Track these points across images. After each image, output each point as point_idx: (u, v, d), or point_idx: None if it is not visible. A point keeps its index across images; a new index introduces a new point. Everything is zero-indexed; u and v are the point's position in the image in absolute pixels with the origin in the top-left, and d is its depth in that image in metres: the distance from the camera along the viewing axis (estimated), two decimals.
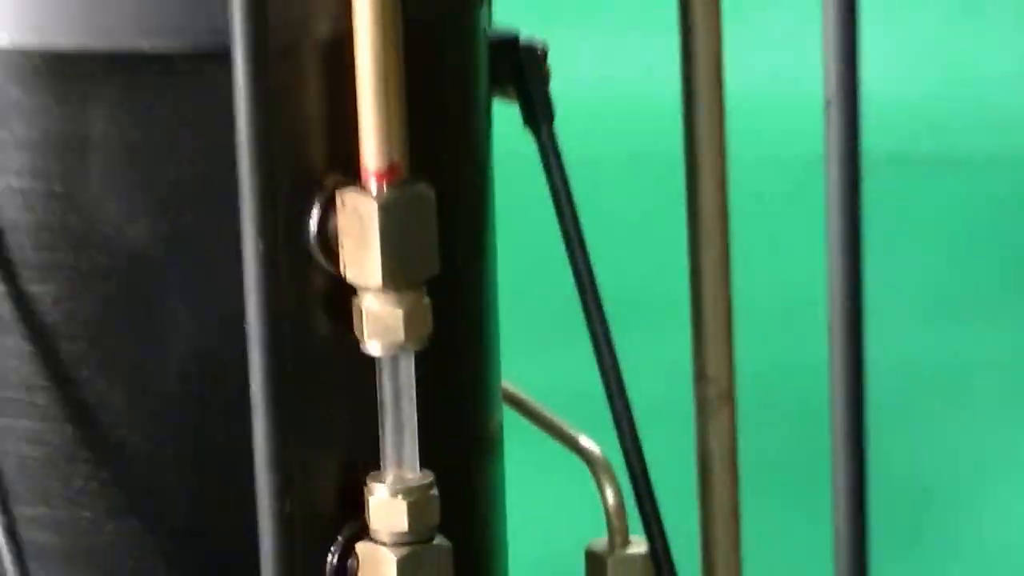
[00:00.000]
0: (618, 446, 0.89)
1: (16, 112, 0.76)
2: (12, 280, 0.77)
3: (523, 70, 0.86)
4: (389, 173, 0.74)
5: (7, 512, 0.76)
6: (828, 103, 0.71)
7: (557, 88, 0.86)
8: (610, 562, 0.90)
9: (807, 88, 0.70)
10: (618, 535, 0.90)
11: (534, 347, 0.91)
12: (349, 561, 0.78)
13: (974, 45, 1.57)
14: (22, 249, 0.76)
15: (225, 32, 0.69)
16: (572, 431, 0.92)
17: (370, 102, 0.74)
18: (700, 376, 0.92)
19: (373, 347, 0.76)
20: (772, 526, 0.94)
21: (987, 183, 1.50)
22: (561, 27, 1.16)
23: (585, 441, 0.90)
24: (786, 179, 0.83)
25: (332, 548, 0.78)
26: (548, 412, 0.95)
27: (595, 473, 0.90)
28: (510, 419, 0.91)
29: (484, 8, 0.84)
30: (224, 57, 0.69)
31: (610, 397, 0.88)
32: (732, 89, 0.88)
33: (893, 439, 1.04)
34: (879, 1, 0.92)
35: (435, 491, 0.77)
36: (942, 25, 1.57)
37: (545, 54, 0.87)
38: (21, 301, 0.77)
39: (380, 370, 0.77)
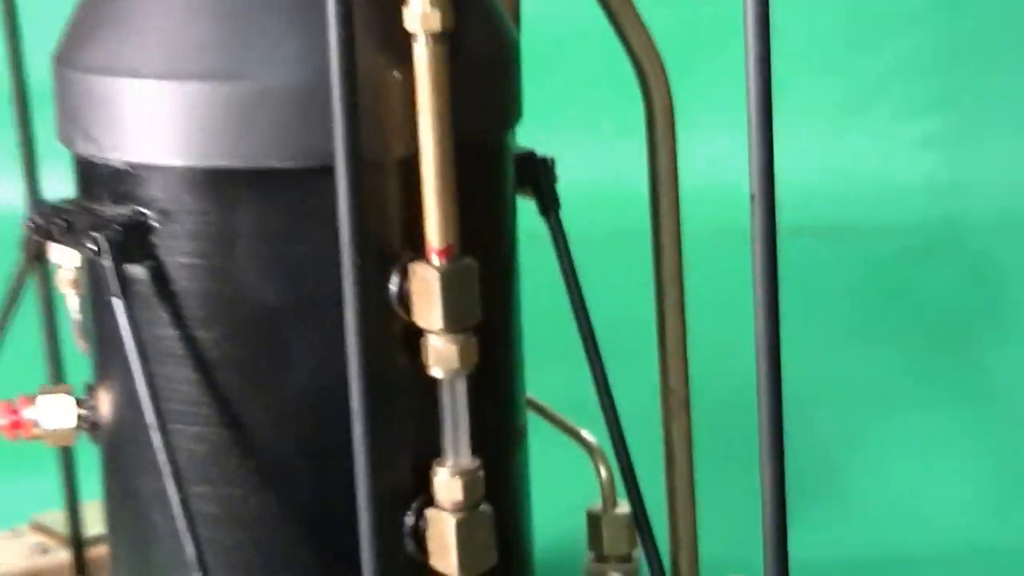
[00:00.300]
0: (608, 438, 0.91)
1: (186, 211, 0.80)
2: (184, 328, 0.80)
3: (538, 176, 0.90)
4: (446, 251, 0.78)
5: (182, 489, 0.79)
6: (752, 196, 0.74)
7: (562, 187, 0.91)
8: (604, 519, 0.96)
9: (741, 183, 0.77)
10: (608, 501, 0.96)
11: (548, 367, 0.96)
12: (420, 523, 0.81)
13: (856, 136, 1.58)
14: (191, 307, 0.80)
15: (331, 154, 0.72)
16: (575, 426, 0.96)
17: (433, 202, 0.78)
18: (664, 387, 0.94)
19: (436, 372, 0.80)
20: (715, 494, 0.98)
21: (869, 247, 1.53)
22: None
23: (585, 433, 0.96)
24: (724, 246, 0.88)
25: (408, 513, 0.81)
26: (558, 413, 0.98)
27: (592, 456, 0.95)
28: (531, 419, 0.93)
29: (511, 132, 0.87)
30: (330, 171, 0.73)
31: (603, 404, 0.90)
32: (685, 185, 0.91)
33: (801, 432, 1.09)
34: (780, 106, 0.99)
35: (481, 472, 0.81)
36: (828, 123, 1.58)
37: (553, 164, 0.91)
38: (190, 343, 0.80)
39: (441, 388, 0.81)
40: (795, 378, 0.79)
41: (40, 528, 1.11)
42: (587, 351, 0.90)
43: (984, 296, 1.50)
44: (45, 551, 1.08)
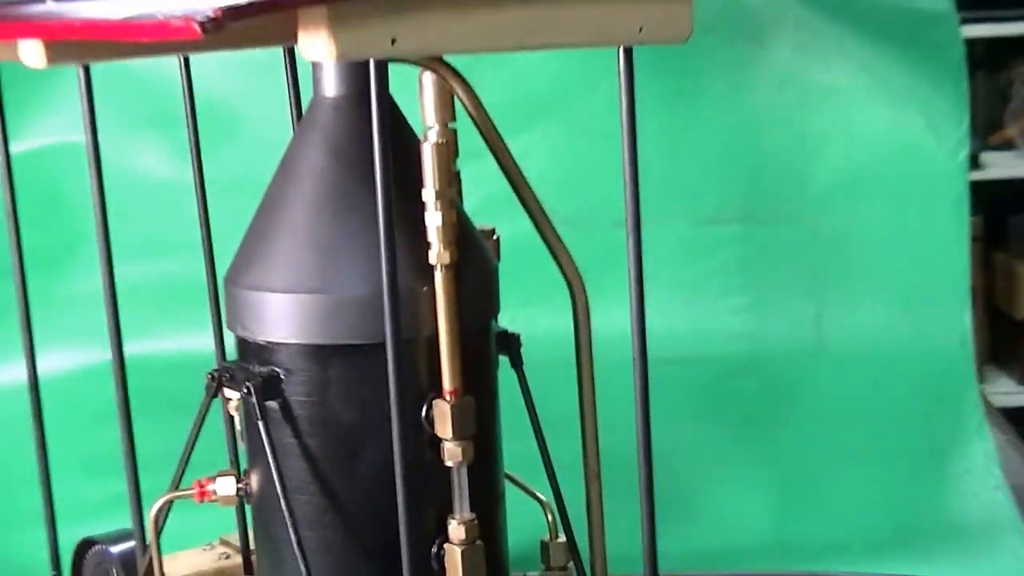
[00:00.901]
0: (552, 496, 0.93)
1: (300, 370, 0.82)
2: (299, 438, 0.82)
3: (510, 345, 0.90)
4: (453, 392, 0.80)
5: (297, 533, 0.81)
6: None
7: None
8: (550, 545, 0.96)
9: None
10: (552, 533, 0.96)
11: (516, 455, 0.92)
12: (440, 552, 0.82)
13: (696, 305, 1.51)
14: (303, 425, 0.82)
15: (383, 334, 0.73)
16: (533, 489, 0.96)
17: (446, 362, 0.80)
18: (585, 464, 0.92)
19: (449, 463, 0.81)
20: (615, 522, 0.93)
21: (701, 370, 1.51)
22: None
23: (539, 493, 0.95)
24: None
25: (434, 547, 0.82)
26: (523, 481, 0.96)
27: (543, 507, 0.95)
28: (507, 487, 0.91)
29: (495, 320, 0.86)
30: (383, 345, 0.73)
31: (548, 476, 0.92)
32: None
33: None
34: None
35: (476, 521, 0.82)
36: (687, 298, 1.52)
37: (519, 338, 0.90)
38: (304, 447, 0.82)
39: (452, 473, 0.82)
40: (658, 442, 0.80)
41: (225, 543, 1.11)
42: (539, 447, 0.92)
43: (775, 399, 1.47)
44: (228, 557, 1.08)
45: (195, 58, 1.00)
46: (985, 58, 3.72)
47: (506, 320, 0.89)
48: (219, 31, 0.63)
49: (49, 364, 1.34)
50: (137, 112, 1.46)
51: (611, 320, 0.93)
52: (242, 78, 1.46)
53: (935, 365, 1.49)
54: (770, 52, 1.50)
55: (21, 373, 0.95)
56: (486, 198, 0.93)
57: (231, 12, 0.64)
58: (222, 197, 0.98)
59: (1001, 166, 3.78)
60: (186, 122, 0.98)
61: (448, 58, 0.80)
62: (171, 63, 0.95)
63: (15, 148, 1.34)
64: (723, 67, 1.50)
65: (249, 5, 0.65)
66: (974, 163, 3.54)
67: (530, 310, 1.01)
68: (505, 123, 0.84)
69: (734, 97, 1.51)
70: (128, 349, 0.85)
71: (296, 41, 0.67)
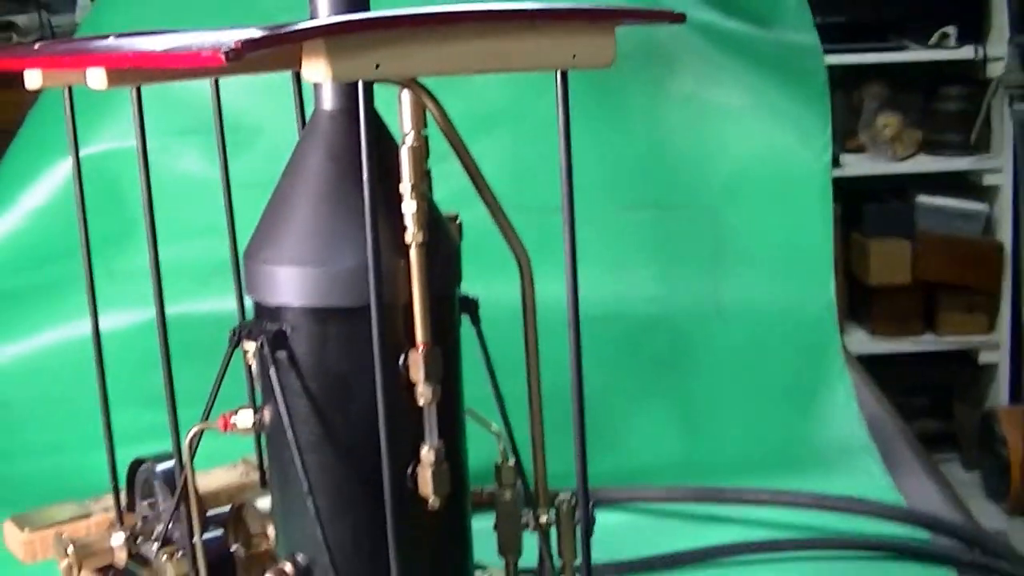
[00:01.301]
0: (503, 425, 0.90)
1: (300, 329, 0.79)
2: (303, 380, 0.79)
3: (470, 306, 0.87)
4: (425, 345, 0.77)
5: (301, 455, 0.79)
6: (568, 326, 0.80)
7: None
8: (503, 469, 0.92)
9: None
10: (503, 457, 0.92)
11: (475, 391, 0.88)
12: (415, 472, 0.80)
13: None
14: (306, 371, 0.79)
15: (369, 298, 0.72)
16: (487, 420, 0.91)
17: (419, 321, 0.78)
18: (532, 405, 0.90)
19: (421, 401, 0.78)
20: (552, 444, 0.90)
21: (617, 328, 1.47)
22: None
23: (493, 424, 0.91)
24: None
25: (410, 468, 0.79)
26: (479, 413, 0.90)
27: (497, 437, 0.91)
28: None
29: (458, 287, 0.84)
30: (368, 309, 0.72)
31: (500, 409, 0.90)
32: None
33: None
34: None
35: (443, 448, 0.79)
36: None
37: (477, 301, 0.87)
38: (306, 388, 0.79)
39: (424, 410, 0.78)
40: (588, 384, 0.80)
41: (246, 462, 1.11)
42: (492, 387, 0.91)
43: (681, 350, 1.46)
44: (249, 474, 1.09)
45: (225, 81, 0.99)
46: (842, 81, 3.77)
47: (470, 287, 0.87)
48: (240, 60, 0.64)
49: (111, 322, 1.37)
50: (180, 123, 1.48)
51: (553, 288, 0.90)
52: (262, 96, 1.49)
53: (807, 324, 1.50)
54: (677, 75, 1.53)
55: (87, 328, 0.94)
56: (453, 191, 0.90)
57: (249, 44, 0.64)
58: (244, 191, 0.97)
59: (855, 166, 3.85)
60: (215, 131, 0.98)
61: (422, 79, 0.79)
62: (205, 84, 0.96)
63: (87, 151, 1.44)
64: (640, 86, 1.52)
65: (264, 38, 0.65)
66: (835, 163, 3.58)
67: (489, 280, 0.97)
68: (467, 131, 0.83)
69: (649, 110, 1.53)
70: (171, 310, 0.84)
71: (300, 67, 0.67)
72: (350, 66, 0.66)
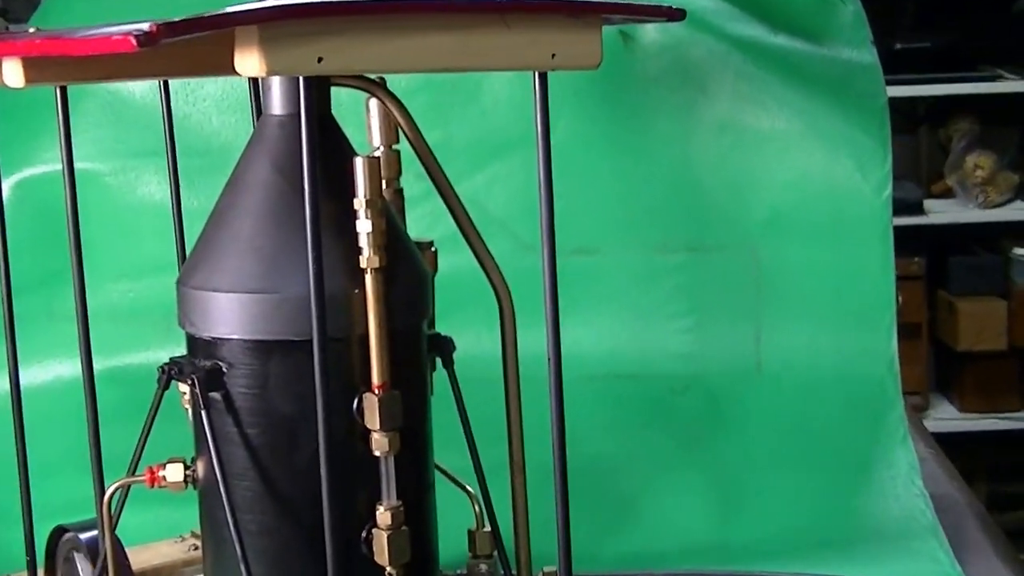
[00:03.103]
0: (479, 489, 0.91)
1: (241, 363, 0.80)
2: (240, 427, 0.80)
3: (443, 347, 0.88)
4: (382, 387, 0.78)
5: (235, 515, 0.80)
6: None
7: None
8: (477, 534, 0.94)
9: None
10: (479, 523, 0.94)
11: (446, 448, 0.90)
12: (370, 536, 0.80)
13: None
14: (244, 415, 0.80)
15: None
16: (461, 481, 0.94)
17: (375, 359, 0.78)
18: (510, 457, 0.91)
19: (377, 453, 0.80)
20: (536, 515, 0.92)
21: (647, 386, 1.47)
22: None
23: (467, 486, 0.93)
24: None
25: (365, 531, 0.80)
26: (452, 473, 0.94)
27: (471, 499, 0.93)
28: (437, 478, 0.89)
29: (425, 321, 0.84)
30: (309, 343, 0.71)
31: (476, 470, 0.91)
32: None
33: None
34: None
35: (402, 508, 0.80)
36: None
37: (451, 339, 0.87)
38: (243, 435, 0.80)
39: (381, 462, 0.80)
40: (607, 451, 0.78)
41: (195, 535, 1.08)
42: (467, 440, 0.91)
43: (715, 413, 1.44)
44: (197, 548, 1.06)
45: (196, 97, 0.97)
46: (928, 115, 3.72)
47: (470, 339, 0.89)
48: (154, 45, 0.63)
49: (51, 372, 1.34)
50: (140, 142, 1.45)
51: (568, 337, 0.89)
52: (233, 115, 1.46)
53: (863, 385, 1.46)
54: (714, 98, 1.49)
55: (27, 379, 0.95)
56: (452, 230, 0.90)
57: (165, 28, 0.64)
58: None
59: (942, 212, 3.78)
60: (165, 144, 0.98)
61: (406, 86, 0.81)
62: (174, 101, 0.97)
63: (26, 173, 1.38)
64: (671, 111, 1.48)
65: (182, 23, 0.65)
66: (918, 210, 3.52)
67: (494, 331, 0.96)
68: (472, 156, 0.80)
69: (681, 137, 1.49)
70: (133, 358, 0.83)
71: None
72: (287, 58, 0.66)
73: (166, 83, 0.98)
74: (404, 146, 0.87)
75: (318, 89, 0.71)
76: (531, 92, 0.72)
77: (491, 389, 0.89)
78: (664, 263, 1.48)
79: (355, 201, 0.75)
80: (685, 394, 1.47)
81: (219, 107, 1.42)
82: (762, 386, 1.45)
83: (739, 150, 1.48)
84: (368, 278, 0.77)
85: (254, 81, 0.96)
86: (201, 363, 0.80)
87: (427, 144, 0.84)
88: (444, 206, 0.85)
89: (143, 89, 1.33)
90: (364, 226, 0.76)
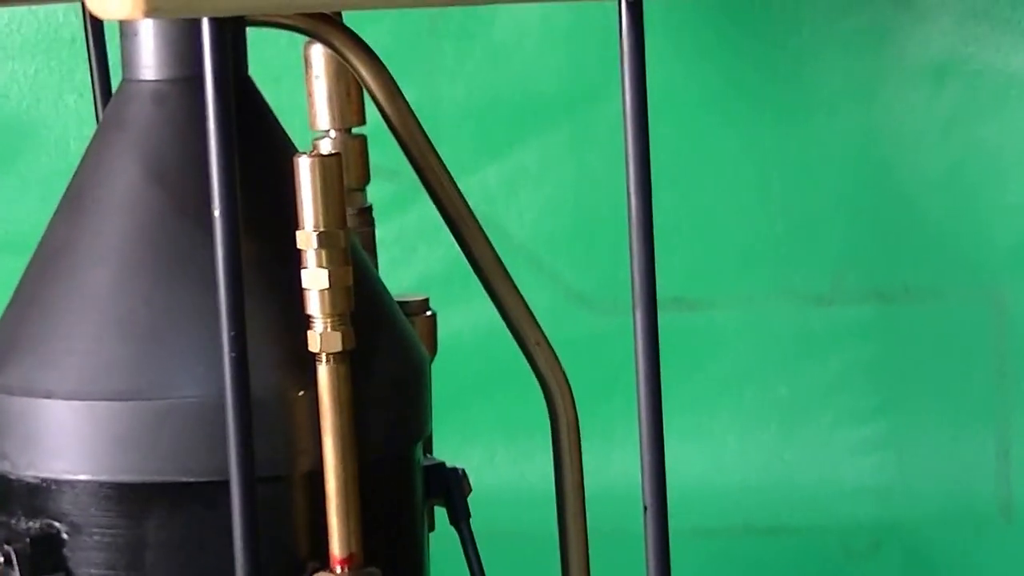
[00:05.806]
0: None
1: (95, 524, 0.71)
2: None
3: (448, 486, 0.81)
4: (348, 561, 0.69)
5: None
6: (645, 508, 0.67)
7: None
8: None
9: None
10: None
11: None
12: None
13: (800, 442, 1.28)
14: None
15: (228, 465, 0.65)
16: None
17: (335, 515, 0.69)
18: None
19: None
20: None
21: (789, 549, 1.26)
22: None
23: None
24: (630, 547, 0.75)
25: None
26: None
27: None
28: None
29: (417, 446, 0.78)
30: (226, 485, 0.65)
31: None
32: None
33: None
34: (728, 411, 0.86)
35: None
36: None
37: (464, 475, 0.82)
38: None
39: None
40: None
41: None
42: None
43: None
44: None
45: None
46: None
47: (475, 460, 0.85)
48: None
49: None
50: None
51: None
52: (40, 79, 1.29)
53: None
54: (922, 20, 1.24)
55: None
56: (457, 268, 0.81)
57: None
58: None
59: None
60: None
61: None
62: None
63: None
64: (844, 52, 1.24)
65: None
66: None
67: (516, 445, 0.92)
68: (500, 129, 0.85)
69: (862, 101, 1.25)
70: None
71: None
72: None
73: None
74: (372, 128, 0.80)
75: (233, 35, 0.67)
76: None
77: (531, 549, 0.84)
78: (831, 321, 1.27)
79: (299, 236, 0.67)
80: (873, 557, 1.27)
81: (11, 78, 1.29)
82: (1010, 542, 1.25)
83: (964, 117, 1.22)
84: (323, 370, 0.68)
85: (98, 29, 0.89)
86: (22, 524, 0.71)
87: (418, 122, 0.75)
88: (439, 213, 0.78)
89: None
90: (315, 278, 0.67)
